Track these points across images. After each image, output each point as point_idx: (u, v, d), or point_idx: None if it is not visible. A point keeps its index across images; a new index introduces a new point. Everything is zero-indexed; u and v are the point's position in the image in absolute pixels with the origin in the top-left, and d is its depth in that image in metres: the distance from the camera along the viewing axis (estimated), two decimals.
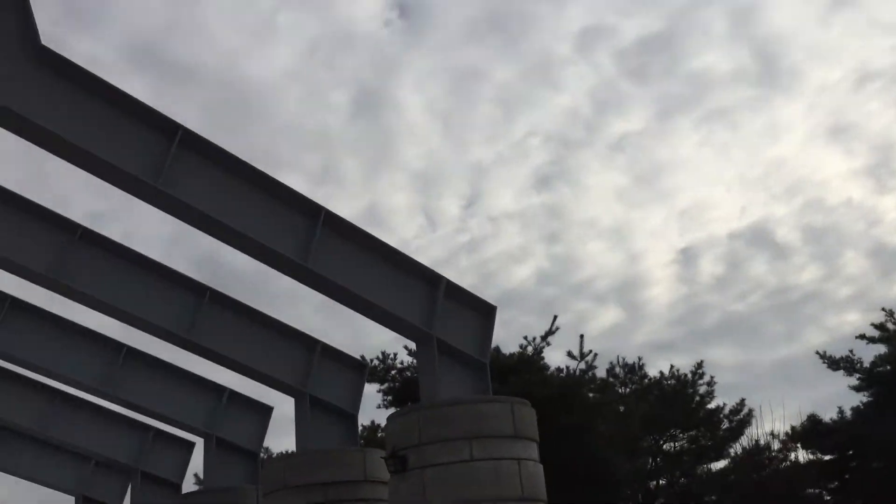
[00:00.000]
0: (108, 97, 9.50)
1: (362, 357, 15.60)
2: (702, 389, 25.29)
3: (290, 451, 14.01)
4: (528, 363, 22.29)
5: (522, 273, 52.61)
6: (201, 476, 18.65)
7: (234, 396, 15.73)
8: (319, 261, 10.80)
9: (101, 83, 9.43)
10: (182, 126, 9.94)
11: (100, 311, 12.50)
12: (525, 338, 23.11)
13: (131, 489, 17.60)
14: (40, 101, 8.92)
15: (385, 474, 12.42)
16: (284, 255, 10.59)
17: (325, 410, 13.58)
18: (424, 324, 11.59)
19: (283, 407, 16.09)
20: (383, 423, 27.96)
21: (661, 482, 25.52)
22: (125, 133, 9.61)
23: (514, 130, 53.33)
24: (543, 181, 54.62)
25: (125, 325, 12.77)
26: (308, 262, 10.65)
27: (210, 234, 10.57)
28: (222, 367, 13.66)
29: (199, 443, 16.67)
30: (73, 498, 18.84)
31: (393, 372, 23.58)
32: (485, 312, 12.39)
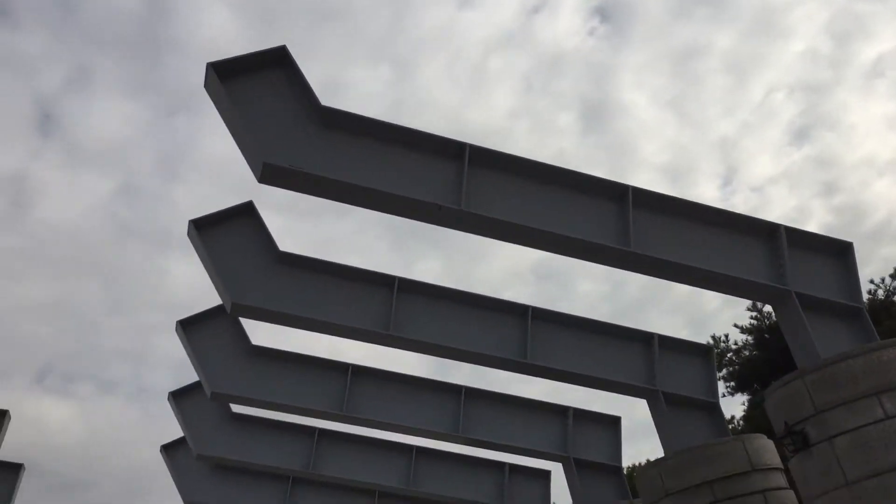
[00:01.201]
0: (390, 138, 9.49)
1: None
2: None
3: (654, 459, 12.93)
4: (885, 309, 19.52)
5: None
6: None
7: (580, 414, 15.15)
8: (641, 242, 10.00)
9: (381, 125, 9.43)
10: (468, 144, 9.66)
11: (433, 355, 12.54)
12: (871, 282, 20.41)
13: None
14: (329, 158, 9.14)
15: (773, 459, 11.15)
16: (604, 245, 9.88)
17: (681, 405, 12.52)
18: (777, 280, 10.29)
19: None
20: (728, 413, 26.34)
21: None
22: (415, 166, 9.53)
23: (752, 93, 49.32)
24: (800, 134, 49.74)
25: (457, 367, 12.68)
26: (631, 245, 9.86)
27: (519, 243, 10.11)
28: (558, 390, 13.13)
29: (555, 469, 16.38)
30: None
31: (729, 355, 21.80)
32: (838, 252, 10.88)
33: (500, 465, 17.25)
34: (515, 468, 17.30)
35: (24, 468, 17.22)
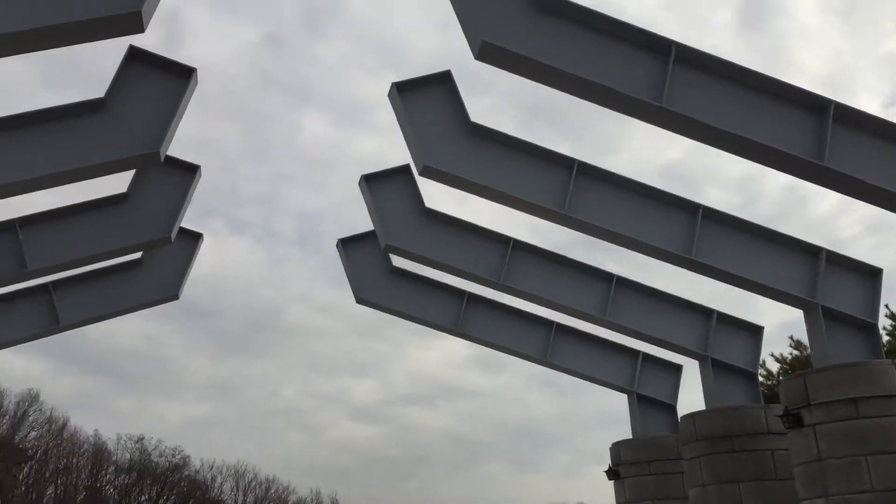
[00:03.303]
0: (598, 27, 10.08)
1: None
2: None
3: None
4: None
5: None
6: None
7: (722, 318, 15.13)
8: (836, 158, 10.39)
9: (594, 15, 10.03)
10: (675, 42, 10.13)
11: (603, 239, 12.88)
12: None
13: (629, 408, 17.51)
14: (537, 40, 9.88)
15: None
16: (797, 156, 10.34)
17: (838, 321, 12.37)
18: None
19: None
20: None
21: None
22: (622, 58, 10.11)
23: None
24: None
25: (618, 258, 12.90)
26: (825, 160, 10.28)
27: (715, 146, 10.65)
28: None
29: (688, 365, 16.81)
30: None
31: None
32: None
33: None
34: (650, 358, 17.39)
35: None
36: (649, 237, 12.44)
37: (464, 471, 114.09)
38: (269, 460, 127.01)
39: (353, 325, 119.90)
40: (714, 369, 14.90)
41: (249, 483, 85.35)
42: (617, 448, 17.11)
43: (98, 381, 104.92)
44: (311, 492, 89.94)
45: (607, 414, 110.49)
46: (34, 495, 73.50)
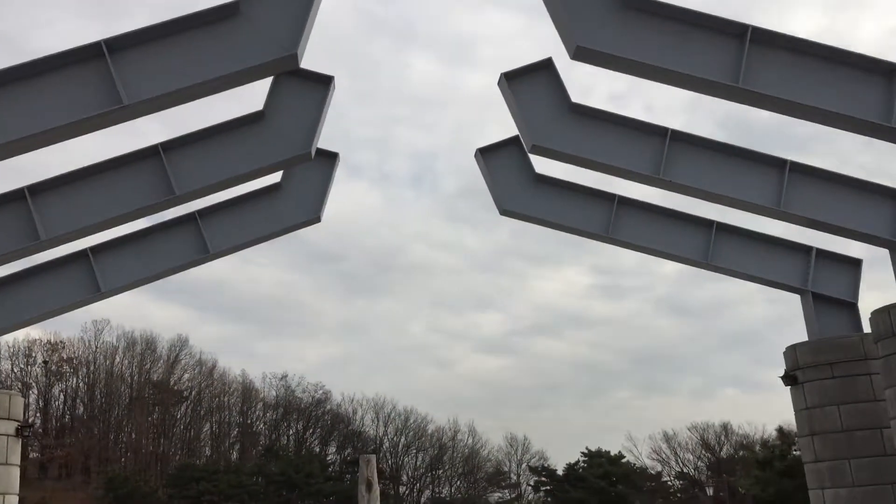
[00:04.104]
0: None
1: None
2: None
3: None
4: None
5: None
6: None
7: None
8: None
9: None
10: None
11: (783, 112, 11.79)
12: None
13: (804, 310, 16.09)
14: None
15: None
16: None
17: None
18: None
19: None
20: None
21: None
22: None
23: None
24: None
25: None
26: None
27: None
28: None
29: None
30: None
31: None
32: None
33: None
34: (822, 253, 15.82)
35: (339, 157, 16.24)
36: (838, 104, 11.08)
37: (594, 398, 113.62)
38: (403, 394, 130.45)
39: (472, 260, 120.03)
40: None
41: (389, 414, 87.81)
42: (793, 351, 15.80)
43: (240, 327, 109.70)
44: (449, 420, 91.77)
45: (739, 336, 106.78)
46: (192, 433, 78.20)
